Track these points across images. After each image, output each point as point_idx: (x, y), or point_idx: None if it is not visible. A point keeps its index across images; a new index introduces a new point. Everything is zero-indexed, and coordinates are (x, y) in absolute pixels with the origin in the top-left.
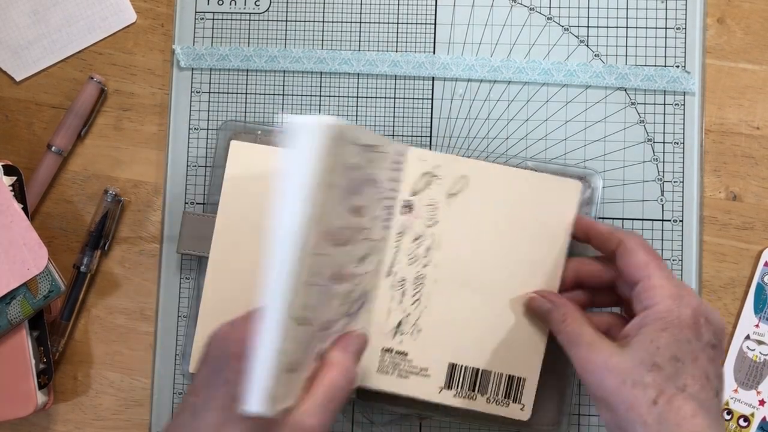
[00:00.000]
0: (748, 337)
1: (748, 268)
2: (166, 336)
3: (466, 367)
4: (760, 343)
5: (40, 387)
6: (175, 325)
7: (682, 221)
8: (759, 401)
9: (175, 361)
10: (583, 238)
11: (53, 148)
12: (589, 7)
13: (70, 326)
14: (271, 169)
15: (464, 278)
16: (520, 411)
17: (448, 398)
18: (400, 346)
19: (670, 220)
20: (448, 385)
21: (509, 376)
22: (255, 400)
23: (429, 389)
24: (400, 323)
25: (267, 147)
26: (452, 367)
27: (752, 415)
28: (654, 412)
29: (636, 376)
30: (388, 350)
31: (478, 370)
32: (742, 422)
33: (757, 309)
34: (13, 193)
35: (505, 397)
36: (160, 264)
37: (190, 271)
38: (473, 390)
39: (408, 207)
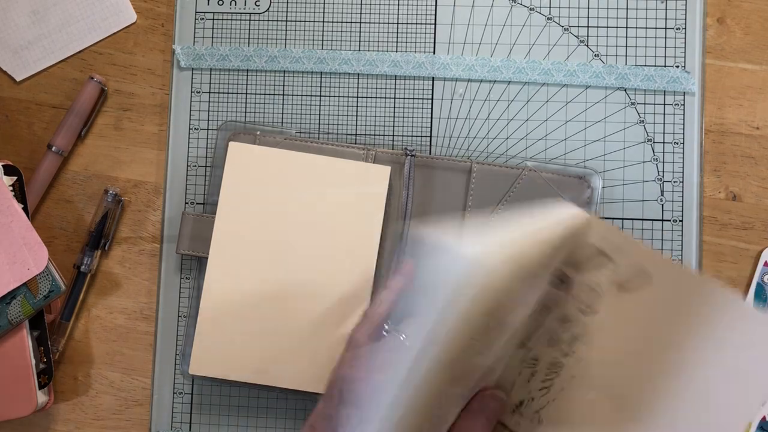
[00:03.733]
0: None
1: (748, 268)
2: (166, 336)
3: None
4: None
5: (41, 387)
6: (175, 325)
7: (682, 221)
8: None
9: (175, 361)
10: None
11: (53, 148)
12: (589, 7)
13: (70, 326)
14: (270, 170)
15: (607, 387)
16: None
17: None
18: (515, 426)
19: (670, 220)
20: None
21: None
22: None
23: None
24: (522, 403)
25: (265, 148)
26: None
27: None
28: None
29: None
30: (501, 424)
31: None
32: None
33: None
34: (13, 193)
35: None
36: (160, 264)
37: (190, 271)
38: None
39: (563, 281)
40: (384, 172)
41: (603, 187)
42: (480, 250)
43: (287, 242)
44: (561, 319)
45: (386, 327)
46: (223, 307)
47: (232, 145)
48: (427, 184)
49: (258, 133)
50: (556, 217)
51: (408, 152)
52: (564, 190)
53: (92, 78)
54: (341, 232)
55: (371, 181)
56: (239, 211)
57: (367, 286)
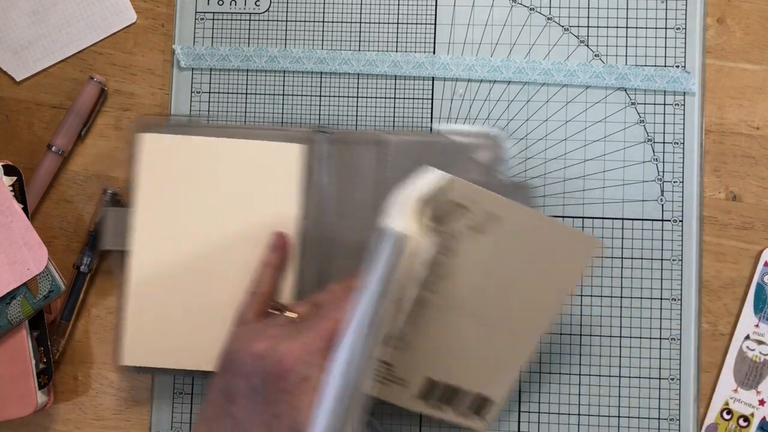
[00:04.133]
0: (748, 337)
1: (748, 268)
2: None
3: (442, 383)
4: (760, 343)
5: (40, 387)
6: None
7: (682, 221)
8: (759, 401)
9: None
10: None
11: (53, 148)
12: (589, 7)
13: (70, 326)
14: (184, 158)
15: (466, 311)
16: (481, 424)
17: (419, 407)
18: (386, 356)
19: (670, 220)
20: (423, 396)
21: (480, 395)
22: None
23: (403, 397)
24: (389, 336)
25: (176, 136)
26: (430, 382)
27: (752, 415)
28: None
29: None
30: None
31: (452, 386)
32: (742, 422)
33: (757, 309)
34: (13, 193)
35: (470, 412)
36: None
37: None
38: (444, 403)
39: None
40: (295, 150)
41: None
42: (401, 224)
43: (208, 228)
44: (425, 263)
45: (274, 304)
46: (150, 296)
47: (143, 136)
48: (344, 159)
49: (171, 123)
50: (428, 181)
51: (321, 129)
52: (476, 151)
53: (92, 78)
54: (259, 214)
55: (284, 160)
56: (157, 201)
57: (290, 263)
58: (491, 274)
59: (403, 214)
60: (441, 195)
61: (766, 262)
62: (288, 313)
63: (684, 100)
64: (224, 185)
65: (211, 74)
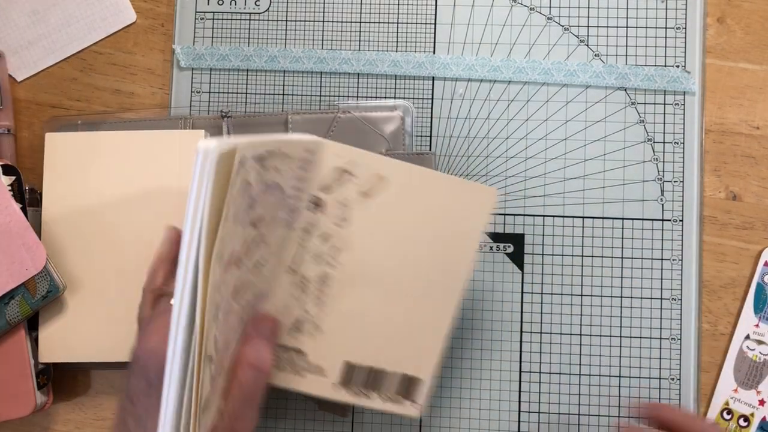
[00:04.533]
0: (748, 337)
1: (748, 267)
2: None
3: (363, 367)
4: (760, 343)
5: (39, 387)
6: None
7: (682, 221)
8: (759, 401)
9: None
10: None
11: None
12: (589, 7)
13: None
14: (91, 155)
15: (371, 281)
16: (413, 408)
17: (342, 395)
18: (297, 343)
19: (670, 220)
20: (344, 383)
21: (406, 376)
22: None
23: (323, 386)
24: (299, 321)
25: (81, 133)
26: (349, 367)
27: (752, 415)
28: None
29: None
30: (283, 347)
31: (375, 369)
32: (742, 422)
33: (757, 309)
34: (11, 192)
35: (399, 395)
36: None
37: None
38: (368, 388)
39: (316, 204)
40: (197, 135)
41: (416, 117)
42: (215, 143)
43: (119, 221)
44: (322, 237)
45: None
46: (68, 293)
47: (48, 135)
48: None
49: (79, 122)
50: (293, 138)
51: (224, 114)
52: (380, 125)
53: None
54: (168, 201)
55: (189, 148)
56: (66, 198)
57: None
58: (390, 240)
59: (221, 142)
60: (318, 161)
61: (766, 261)
62: None
63: (684, 99)
64: (132, 178)
65: (211, 74)
